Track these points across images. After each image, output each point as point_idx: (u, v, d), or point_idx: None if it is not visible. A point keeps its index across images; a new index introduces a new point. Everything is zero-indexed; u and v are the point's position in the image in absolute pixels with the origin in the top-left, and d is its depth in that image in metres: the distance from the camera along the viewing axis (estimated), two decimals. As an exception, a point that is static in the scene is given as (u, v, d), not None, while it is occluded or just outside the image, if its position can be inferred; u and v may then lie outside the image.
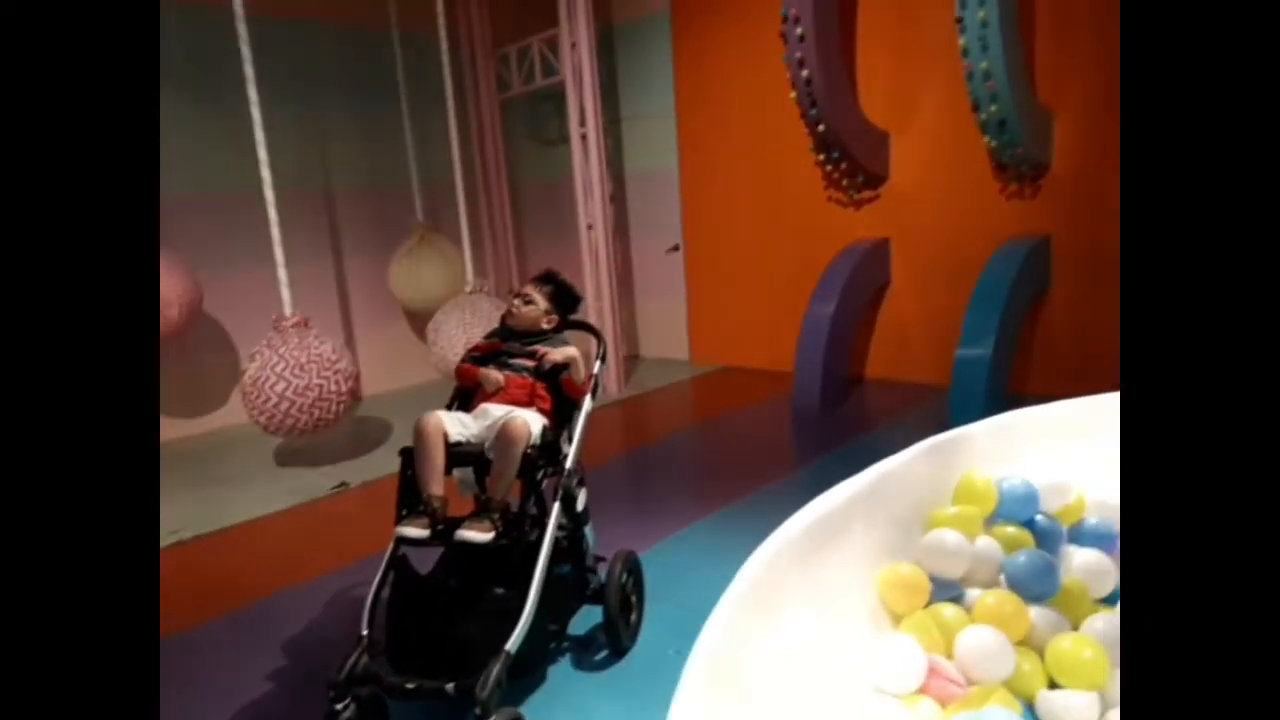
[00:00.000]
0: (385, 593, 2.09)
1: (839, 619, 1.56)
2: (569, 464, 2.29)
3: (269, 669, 2.44)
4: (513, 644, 1.91)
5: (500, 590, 2.11)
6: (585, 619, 2.48)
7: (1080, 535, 1.91)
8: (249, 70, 4.21)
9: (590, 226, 6.01)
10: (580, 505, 2.33)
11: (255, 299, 5.40)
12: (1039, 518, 1.90)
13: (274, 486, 4.33)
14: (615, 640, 2.35)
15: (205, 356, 5.57)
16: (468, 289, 5.53)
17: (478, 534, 2.04)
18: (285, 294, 4.45)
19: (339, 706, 1.89)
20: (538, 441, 2.22)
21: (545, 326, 2.64)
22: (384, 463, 4.42)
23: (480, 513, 2.12)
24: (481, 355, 2.59)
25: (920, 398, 5.08)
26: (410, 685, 1.89)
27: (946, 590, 1.75)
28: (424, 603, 2.14)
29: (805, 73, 4.95)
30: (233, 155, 5.17)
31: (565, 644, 2.43)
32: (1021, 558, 1.73)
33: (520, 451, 2.14)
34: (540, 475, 2.18)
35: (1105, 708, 1.46)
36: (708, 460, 4.47)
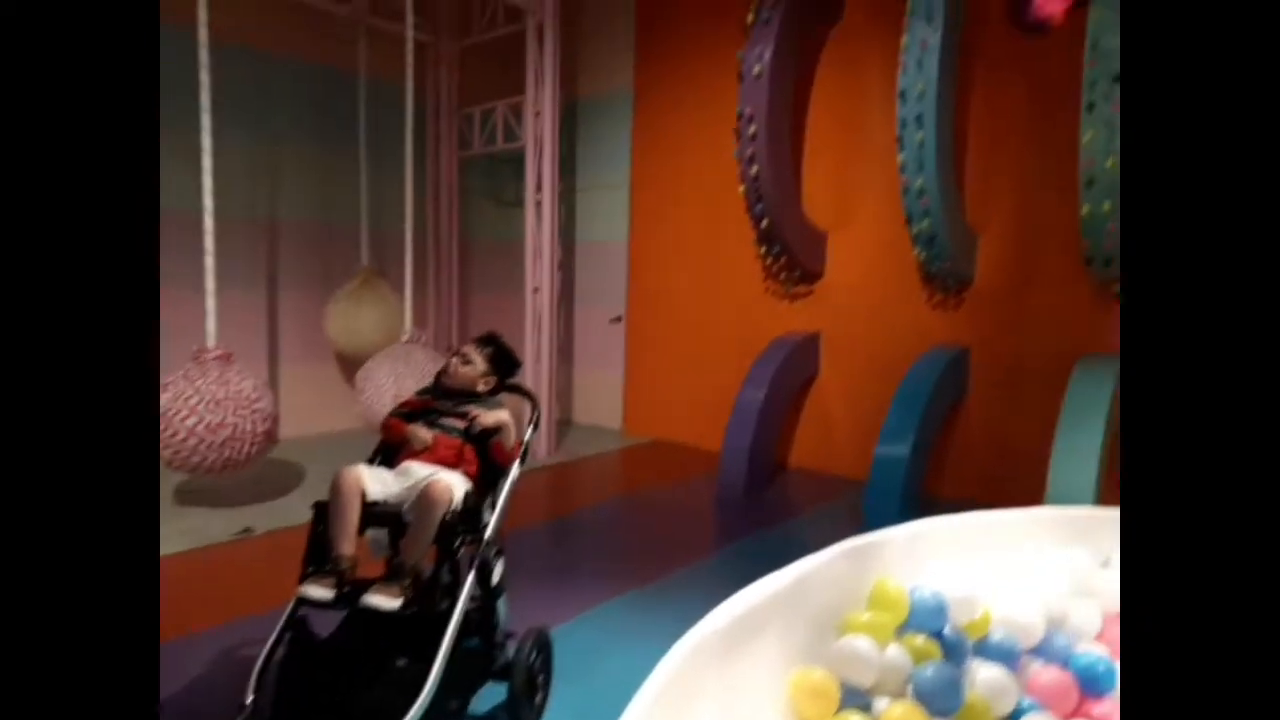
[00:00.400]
0: (278, 655, 1.98)
1: (748, 722, 1.56)
2: (489, 533, 2.25)
3: (137, 730, 2.25)
4: (411, 719, 1.83)
5: (403, 661, 2.03)
6: (488, 696, 2.40)
7: (985, 650, 1.96)
8: (205, 94, 4.17)
9: (536, 290, 6.05)
10: (496, 577, 2.28)
11: (180, 326, 5.19)
12: (947, 630, 1.95)
13: (169, 526, 4.08)
14: (517, 722, 2.27)
15: (113, 380, 5.28)
16: (404, 338, 5.46)
17: (385, 600, 1.98)
18: (211, 325, 4.30)
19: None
20: (459, 507, 2.18)
21: (481, 389, 2.63)
22: (295, 511, 4.23)
23: (390, 577, 2.05)
24: (411, 411, 2.56)
25: (839, 490, 5.20)
26: (293, 759, 1.79)
27: (855, 698, 1.77)
28: (320, 669, 2.03)
29: (754, 169, 5.21)
30: (175, 172, 5.04)
31: (464, 722, 2.34)
32: (929, 670, 1.76)
33: (439, 516, 2.10)
34: (458, 543, 2.14)
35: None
36: (629, 536, 4.44)
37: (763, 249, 5.71)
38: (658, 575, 3.58)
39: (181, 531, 4.00)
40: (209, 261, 4.25)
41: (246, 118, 5.72)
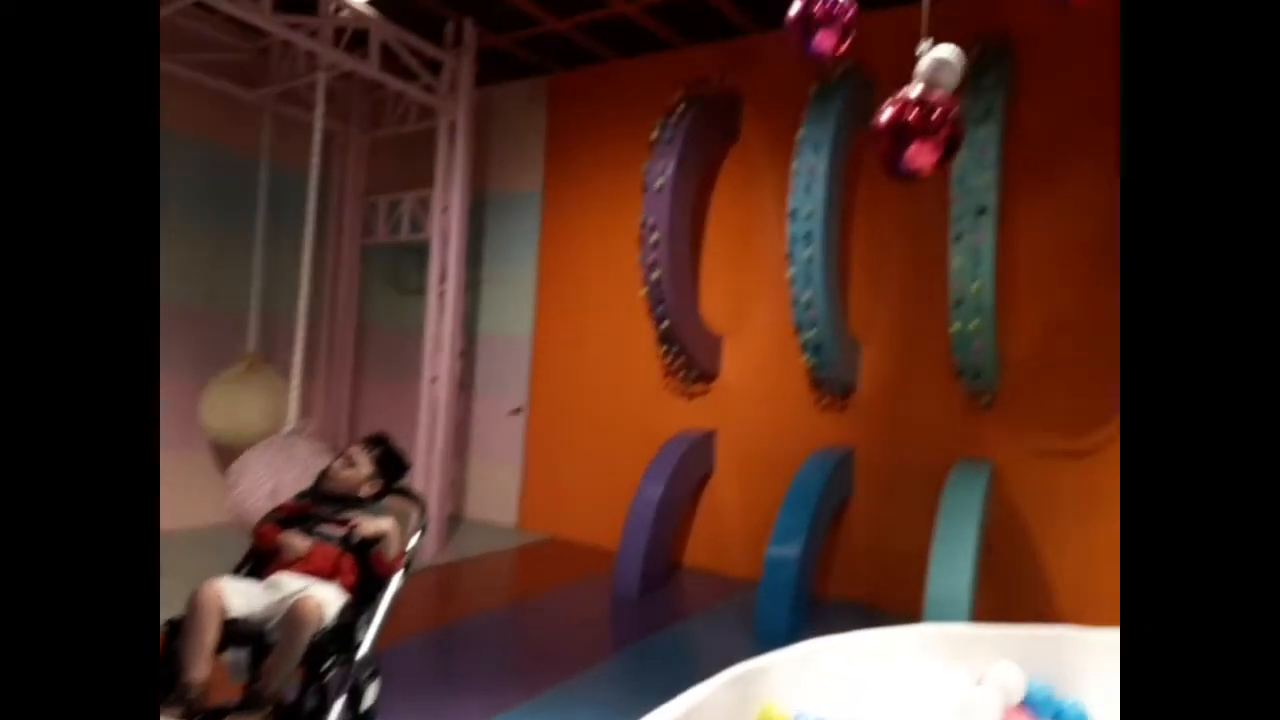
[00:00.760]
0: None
1: None
2: (363, 652, 2.12)
3: None
4: None
5: (255, 802, 1.84)
6: (350, 835, 2.19)
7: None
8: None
9: (434, 379, 5.95)
10: (369, 701, 2.14)
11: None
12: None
13: None
14: None
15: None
16: (288, 429, 5.20)
17: (240, 733, 1.81)
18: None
19: None
20: (331, 625, 2.05)
21: (365, 493, 2.53)
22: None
23: (248, 705, 1.89)
24: (287, 517, 2.42)
25: (732, 591, 5.21)
26: None
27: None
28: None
29: (656, 274, 5.41)
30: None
31: None
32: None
33: (308, 636, 1.96)
34: (327, 665, 2.00)
35: None
36: (519, 643, 4.27)
37: (663, 349, 5.86)
38: (549, 685, 3.43)
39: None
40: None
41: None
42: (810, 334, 4.95)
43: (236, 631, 2.01)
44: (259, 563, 2.32)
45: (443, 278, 5.95)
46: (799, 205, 4.84)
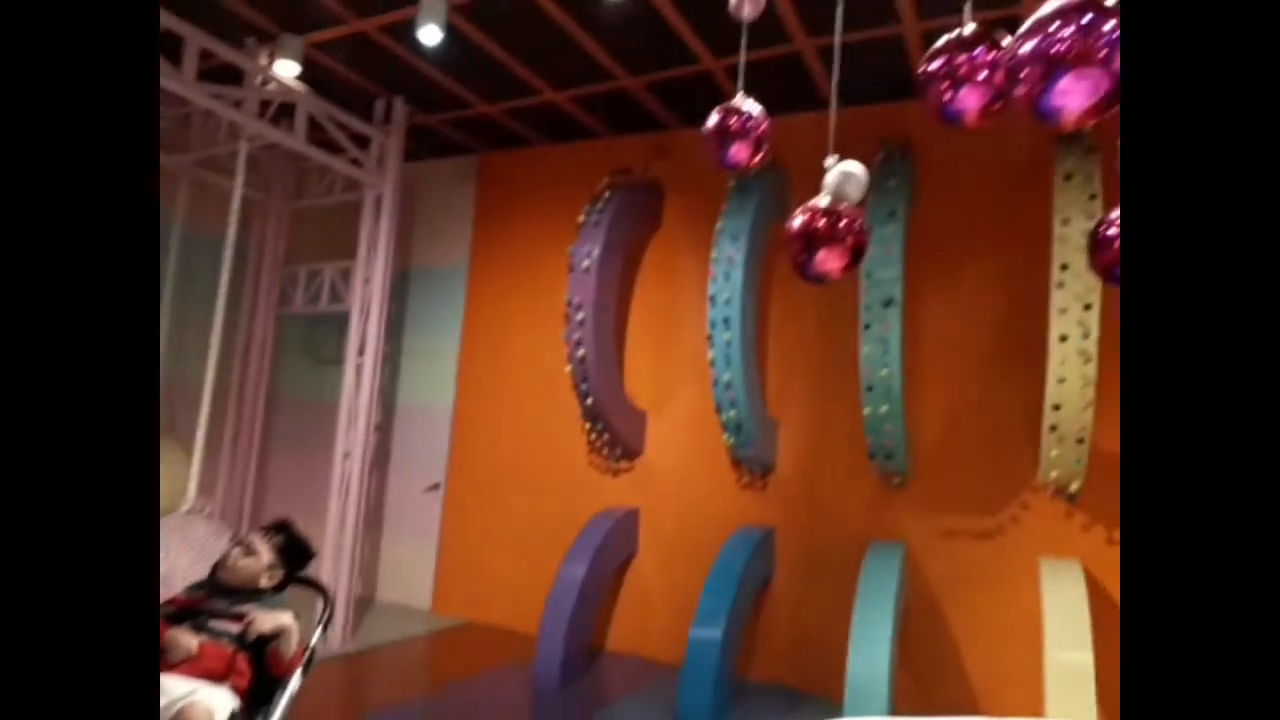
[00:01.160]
0: None
1: None
2: (254, 764, 1.97)
3: None
4: None
5: None
6: None
7: None
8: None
9: (347, 455, 5.74)
10: (258, 819, 1.97)
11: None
12: None
13: None
14: None
15: None
16: (185, 508, 4.88)
17: None
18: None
19: None
20: (220, 735, 1.90)
21: (264, 584, 2.39)
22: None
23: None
24: (177, 611, 2.26)
25: (655, 675, 5.10)
26: None
27: None
28: None
29: (581, 351, 5.45)
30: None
31: None
32: None
33: (193, 751, 1.81)
34: (213, 781, 1.85)
35: None
36: (427, 739, 4.03)
37: (587, 425, 5.85)
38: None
39: None
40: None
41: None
42: (730, 414, 5.06)
43: (110, 746, 1.83)
44: (141, 665, 2.15)
45: (361, 350, 5.83)
46: (718, 291, 5.01)
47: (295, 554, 2.49)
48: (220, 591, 2.33)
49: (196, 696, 1.93)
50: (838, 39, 3.71)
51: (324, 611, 2.45)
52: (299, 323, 7.07)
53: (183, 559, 4.39)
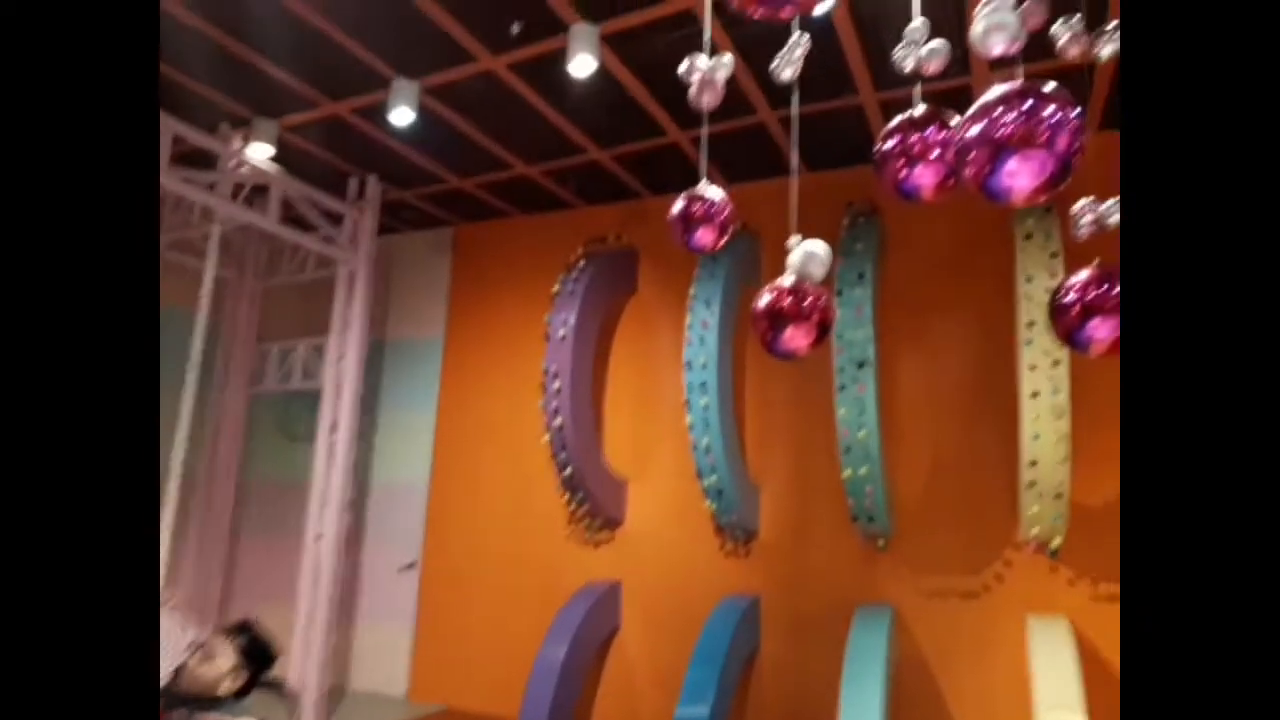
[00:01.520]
0: None
1: None
2: None
3: None
4: None
5: None
6: None
7: None
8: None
9: (319, 537, 5.59)
10: None
11: None
12: None
13: None
14: None
15: None
16: (149, 600, 4.69)
17: None
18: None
19: None
20: None
21: (224, 690, 2.28)
22: None
23: None
24: (131, 726, 2.14)
25: (643, 758, 4.90)
26: None
27: None
28: None
29: (558, 420, 5.41)
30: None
31: None
32: None
33: None
34: None
35: None
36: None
37: (566, 496, 5.76)
38: None
39: None
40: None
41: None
42: (711, 480, 5.01)
43: None
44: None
45: (333, 428, 5.74)
46: (694, 356, 5.03)
47: (258, 655, 2.38)
48: (179, 701, 2.21)
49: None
50: (795, 111, 3.85)
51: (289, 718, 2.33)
52: (271, 401, 6.97)
53: (145, 656, 4.20)
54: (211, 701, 2.24)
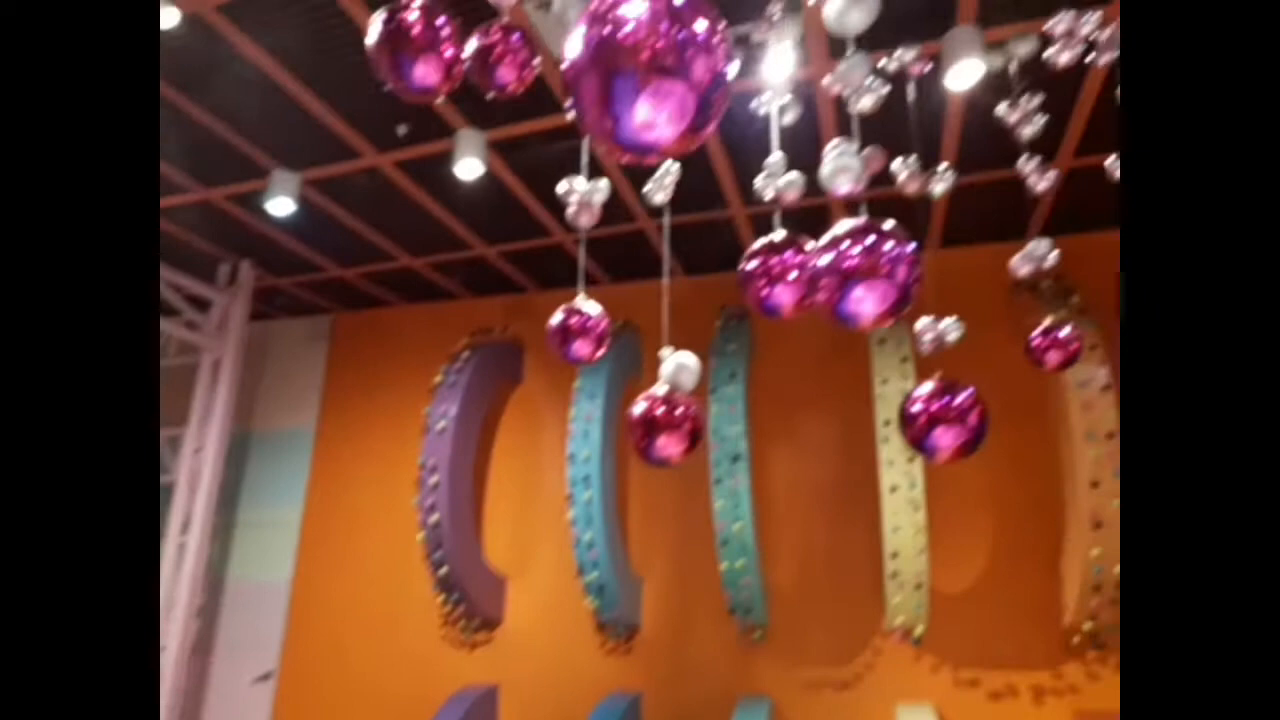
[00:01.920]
0: None
1: None
2: None
3: None
4: None
5: None
6: None
7: None
8: None
9: (163, 648, 5.04)
10: None
11: None
12: None
13: None
14: None
15: None
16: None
17: None
18: None
19: None
20: None
21: None
22: None
23: None
24: None
25: None
26: None
27: None
28: None
29: (434, 517, 5.24)
30: None
31: None
32: None
33: None
34: None
35: None
36: None
37: (441, 596, 5.52)
38: None
39: None
40: None
41: None
42: (593, 576, 4.96)
43: None
44: None
45: (185, 527, 5.29)
46: (577, 449, 5.06)
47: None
48: None
49: None
50: (667, 226, 4.12)
51: None
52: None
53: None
54: None
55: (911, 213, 3.76)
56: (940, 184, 3.12)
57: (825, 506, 5.17)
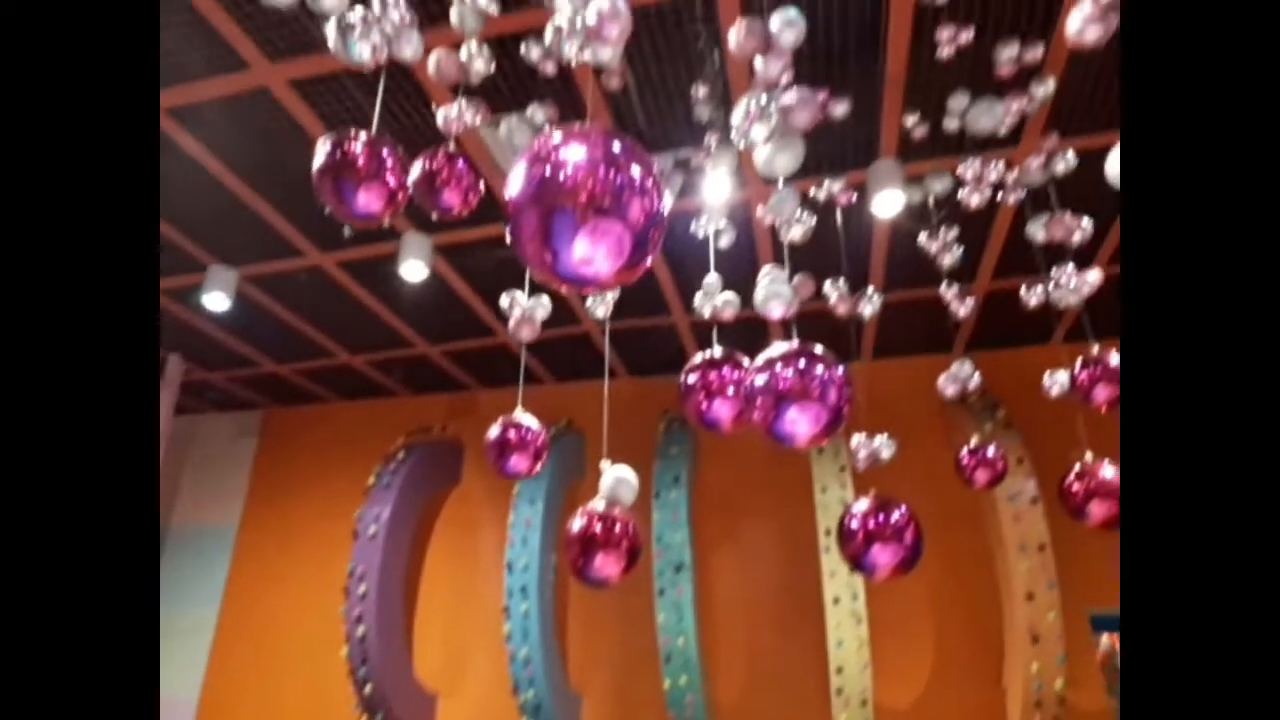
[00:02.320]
0: None
1: None
2: None
3: None
4: None
5: None
6: None
7: None
8: None
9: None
10: None
11: None
12: None
13: None
14: None
15: None
16: None
17: None
18: None
19: None
20: None
21: None
22: None
23: None
24: None
25: None
26: None
27: None
28: None
29: (361, 629, 4.93)
30: None
31: None
32: None
33: None
34: None
35: None
36: None
37: (364, 717, 5.12)
38: None
39: None
40: None
41: None
42: (529, 695, 4.70)
43: None
44: None
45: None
46: (515, 557, 4.89)
47: None
48: None
49: None
50: (607, 334, 4.16)
51: None
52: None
53: None
54: None
55: (844, 325, 3.89)
56: (869, 306, 3.25)
57: (769, 618, 5.06)
